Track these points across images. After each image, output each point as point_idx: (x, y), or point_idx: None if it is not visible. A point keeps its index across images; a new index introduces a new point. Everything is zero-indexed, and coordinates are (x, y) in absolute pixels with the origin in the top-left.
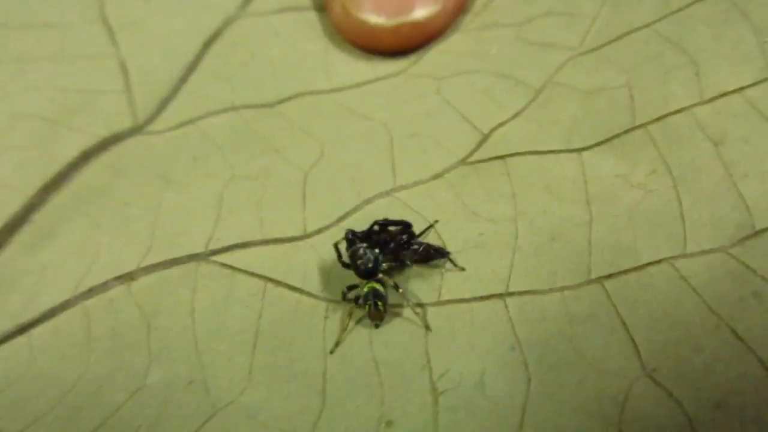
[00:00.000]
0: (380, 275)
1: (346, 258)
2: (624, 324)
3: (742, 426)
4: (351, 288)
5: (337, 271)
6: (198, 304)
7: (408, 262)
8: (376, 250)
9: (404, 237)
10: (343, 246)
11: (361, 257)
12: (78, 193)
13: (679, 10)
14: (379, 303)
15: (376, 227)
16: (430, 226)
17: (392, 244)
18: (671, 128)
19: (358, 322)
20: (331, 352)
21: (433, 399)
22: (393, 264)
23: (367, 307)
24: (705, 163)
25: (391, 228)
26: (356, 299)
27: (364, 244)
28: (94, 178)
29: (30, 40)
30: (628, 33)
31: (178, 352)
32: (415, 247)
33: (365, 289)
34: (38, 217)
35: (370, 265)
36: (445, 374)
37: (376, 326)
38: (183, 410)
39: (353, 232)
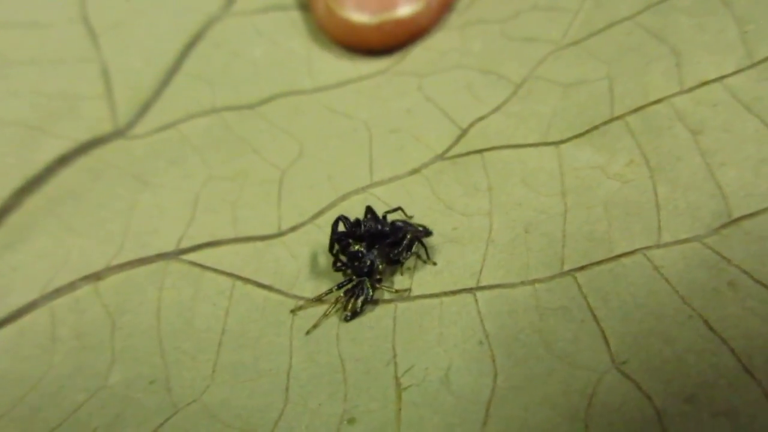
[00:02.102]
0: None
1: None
2: (594, 316)
3: (713, 419)
4: (341, 285)
5: (308, 268)
6: (164, 302)
7: (401, 259)
8: (374, 252)
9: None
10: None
11: (359, 258)
12: (53, 196)
13: (661, 1)
14: (360, 299)
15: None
16: (397, 209)
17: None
18: (650, 118)
19: (327, 317)
20: (308, 333)
21: (397, 395)
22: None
23: (350, 300)
24: (683, 153)
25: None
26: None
27: (359, 246)
28: (70, 182)
29: (10, 41)
30: (609, 26)
31: (142, 352)
32: (407, 244)
33: (352, 284)
34: (11, 220)
35: (365, 270)
36: (409, 370)
37: (346, 319)
38: (142, 410)
39: (345, 220)
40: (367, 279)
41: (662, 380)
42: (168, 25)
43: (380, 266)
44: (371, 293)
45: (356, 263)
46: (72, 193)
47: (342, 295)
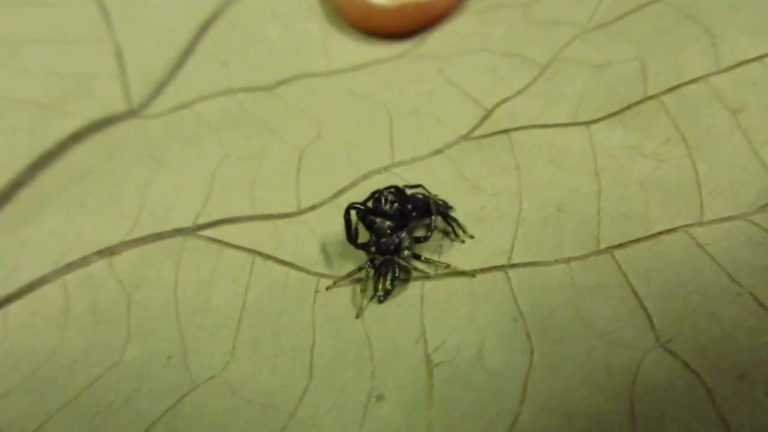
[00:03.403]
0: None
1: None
2: (635, 293)
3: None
4: (371, 262)
5: (329, 246)
6: (182, 278)
7: (429, 234)
8: (403, 234)
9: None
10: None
11: (385, 235)
12: (66, 173)
13: None
14: (388, 278)
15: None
16: (418, 186)
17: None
18: (686, 98)
19: (351, 298)
20: (357, 317)
21: (428, 371)
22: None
23: (378, 279)
24: (722, 132)
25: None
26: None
27: (387, 223)
28: (84, 160)
29: (23, 20)
30: (639, 8)
31: (159, 327)
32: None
33: (378, 261)
34: (24, 195)
35: (392, 248)
36: (440, 346)
37: (380, 300)
38: (160, 385)
39: (370, 200)
40: (394, 256)
41: (711, 358)
42: (182, 5)
43: (406, 243)
44: (398, 272)
45: (382, 240)
46: (85, 171)
47: (371, 273)
